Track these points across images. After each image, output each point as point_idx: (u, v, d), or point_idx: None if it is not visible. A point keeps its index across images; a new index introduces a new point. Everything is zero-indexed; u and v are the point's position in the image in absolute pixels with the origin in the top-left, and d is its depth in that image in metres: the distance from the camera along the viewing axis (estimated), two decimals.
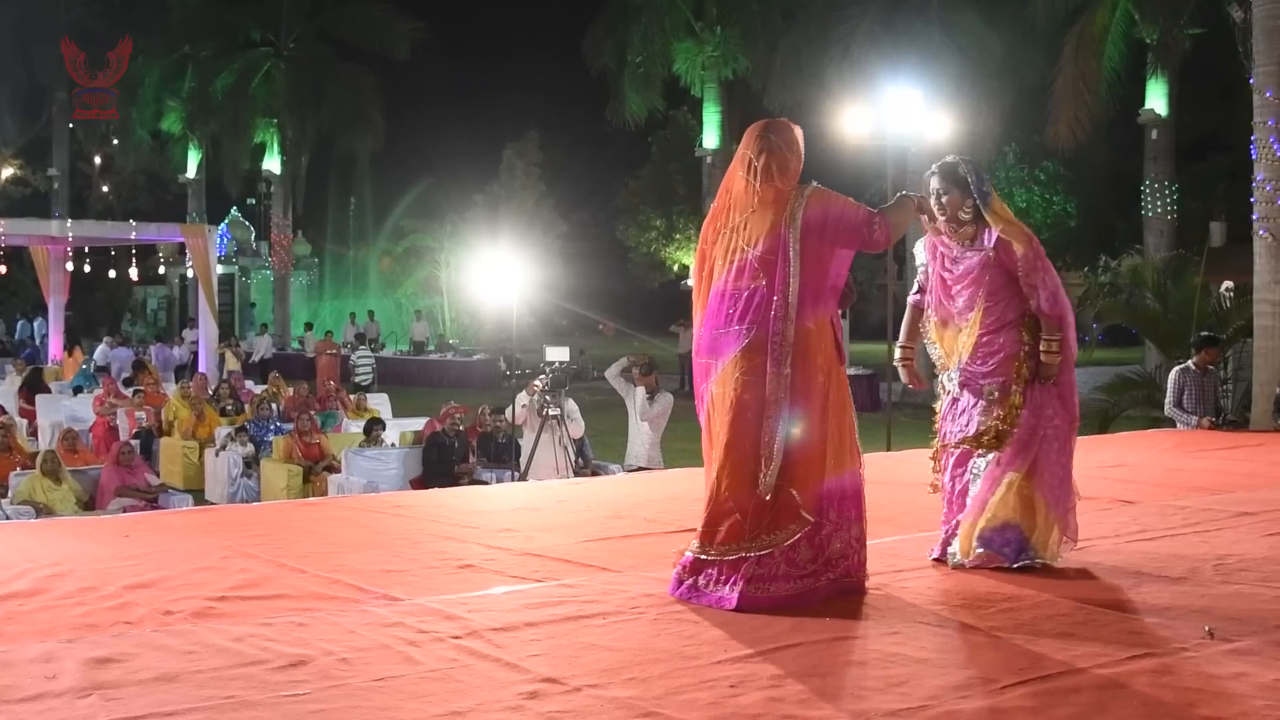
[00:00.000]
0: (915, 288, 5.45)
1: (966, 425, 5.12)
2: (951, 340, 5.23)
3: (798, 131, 4.69)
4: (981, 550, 4.98)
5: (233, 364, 25.79)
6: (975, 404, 5.10)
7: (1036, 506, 5.00)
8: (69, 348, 26.08)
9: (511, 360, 12.64)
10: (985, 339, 5.08)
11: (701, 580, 4.44)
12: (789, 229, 4.46)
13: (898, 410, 16.74)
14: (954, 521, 5.14)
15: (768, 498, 4.39)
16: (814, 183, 4.60)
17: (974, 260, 5.10)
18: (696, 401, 4.70)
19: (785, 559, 4.39)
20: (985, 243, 5.08)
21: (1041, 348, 5.01)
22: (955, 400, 5.21)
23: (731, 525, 4.41)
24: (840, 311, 4.66)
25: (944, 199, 5.10)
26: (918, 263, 5.41)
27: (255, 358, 30.16)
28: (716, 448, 4.52)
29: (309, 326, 35.27)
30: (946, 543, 5.16)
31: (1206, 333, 12.19)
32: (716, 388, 4.55)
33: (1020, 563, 4.96)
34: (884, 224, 4.51)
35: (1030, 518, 4.99)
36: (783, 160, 4.56)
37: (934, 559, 5.17)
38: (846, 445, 4.55)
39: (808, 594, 4.38)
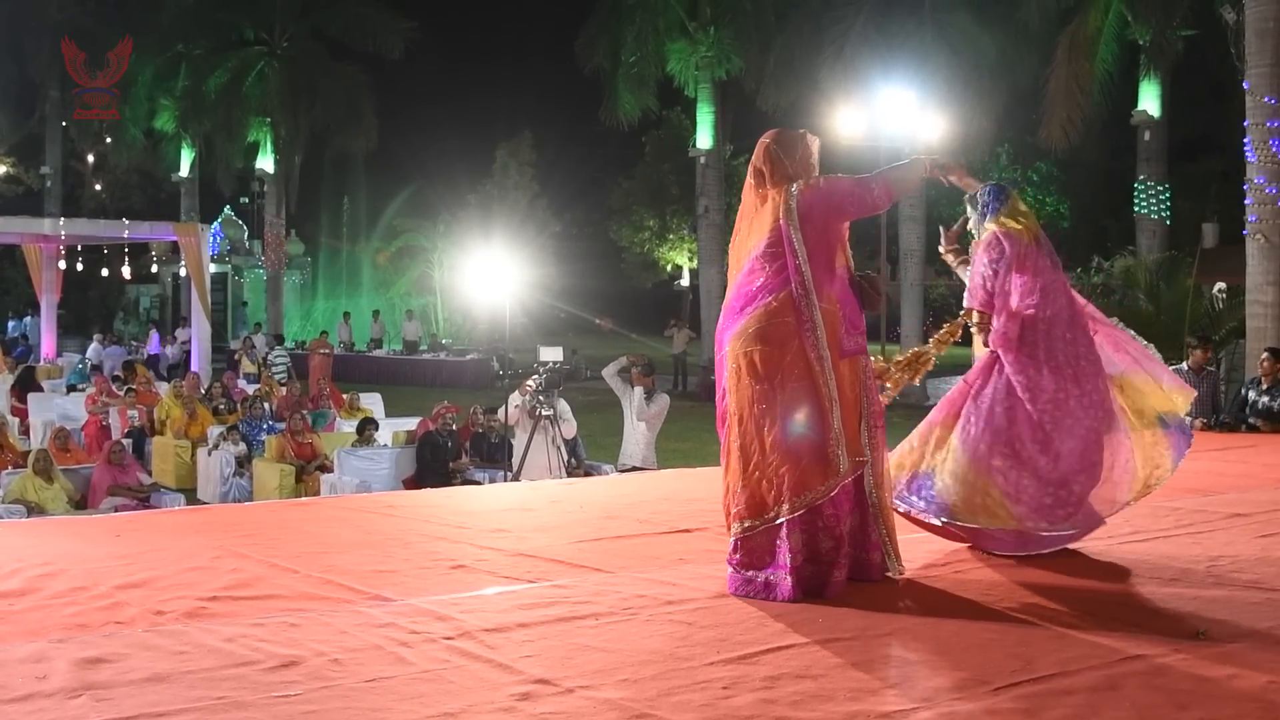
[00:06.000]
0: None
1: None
2: None
3: (807, 139, 4.81)
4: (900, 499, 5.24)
5: (249, 368, 25.62)
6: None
7: (965, 473, 5.15)
8: None
9: (504, 360, 12.61)
10: None
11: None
12: (787, 222, 4.58)
13: (891, 411, 16.60)
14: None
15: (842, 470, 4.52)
16: (810, 178, 4.70)
17: None
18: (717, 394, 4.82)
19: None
20: None
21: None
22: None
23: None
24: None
25: (969, 223, 5.61)
26: None
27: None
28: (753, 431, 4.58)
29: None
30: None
31: (1200, 334, 12.26)
32: (731, 377, 4.65)
33: (927, 517, 5.20)
34: (883, 183, 4.65)
35: (955, 481, 5.15)
36: (778, 166, 4.70)
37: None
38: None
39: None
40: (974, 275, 5.37)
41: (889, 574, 4.74)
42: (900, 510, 5.20)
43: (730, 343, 4.65)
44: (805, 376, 4.51)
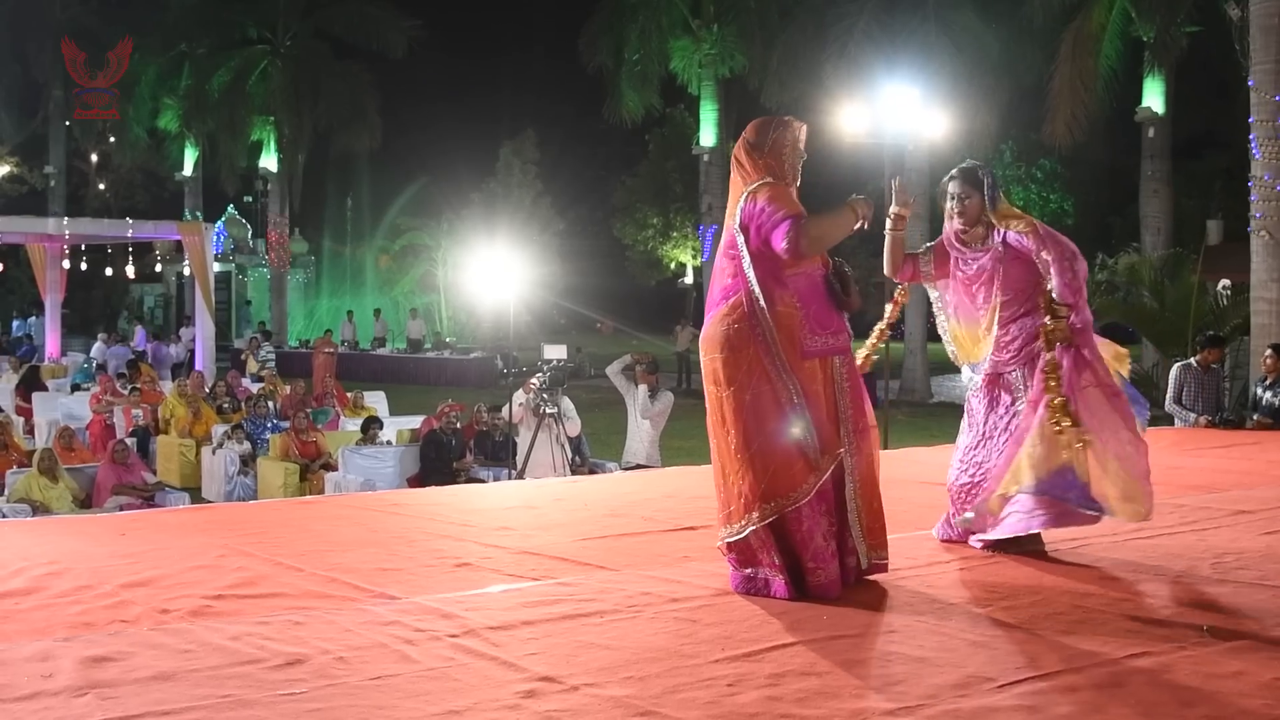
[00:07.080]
0: (923, 248, 5.51)
1: (1005, 416, 5.21)
2: (969, 337, 5.41)
3: (787, 127, 4.67)
4: (1033, 498, 4.98)
5: (253, 368, 25.69)
6: (1011, 395, 5.22)
7: (1099, 457, 4.97)
8: None
9: (508, 358, 12.64)
10: (1002, 330, 5.24)
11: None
12: (733, 224, 4.56)
13: (894, 409, 16.72)
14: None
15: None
16: (766, 179, 4.58)
17: (985, 258, 5.27)
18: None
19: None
20: (995, 240, 5.24)
21: (1047, 321, 5.05)
22: (989, 393, 5.31)
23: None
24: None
25: (966, 202, 5.26)
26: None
27: None
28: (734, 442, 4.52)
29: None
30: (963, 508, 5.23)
31: (1211, 333, 12.25)
32: (710, 383, 4.60)
33: (1092, 511, 4.98)
34: (795, 239, 4.34)
35: (1089, 466, 4.96)
36: (744, 163, 4.63)
37: (943, 539, 5.40)
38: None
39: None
40: (1061, 269, 5.03)
41: (862, 567, 4.68)
42: (1054, 508, 4.99)
43: (700, 349, 4.65)
44: (764, 381, 4.45)
